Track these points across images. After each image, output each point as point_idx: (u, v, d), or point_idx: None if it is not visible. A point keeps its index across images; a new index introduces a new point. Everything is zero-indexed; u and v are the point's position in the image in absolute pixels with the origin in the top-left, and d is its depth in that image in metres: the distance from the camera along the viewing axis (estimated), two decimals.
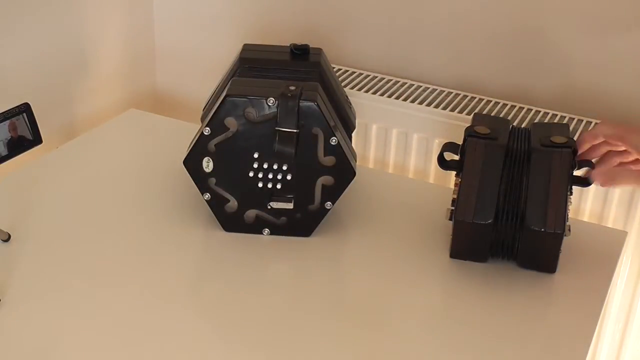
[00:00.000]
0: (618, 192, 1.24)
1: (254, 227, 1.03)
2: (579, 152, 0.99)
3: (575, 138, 1.04)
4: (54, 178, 1.14)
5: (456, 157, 0.99)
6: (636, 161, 0.99)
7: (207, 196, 1.01)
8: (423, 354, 0.85)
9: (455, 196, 0.97)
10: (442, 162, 1.00)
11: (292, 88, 0.97)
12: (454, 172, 0.99)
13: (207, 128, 0.98)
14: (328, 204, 1.01)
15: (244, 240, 1.02)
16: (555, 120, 1.33)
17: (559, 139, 0.97)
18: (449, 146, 1.00)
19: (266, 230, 1.03)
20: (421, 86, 1.43)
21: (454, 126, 1.28)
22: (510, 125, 1.01)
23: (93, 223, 1.04)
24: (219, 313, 0.90)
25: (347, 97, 1.16)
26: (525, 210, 0.94)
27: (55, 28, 1.37)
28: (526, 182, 0.95)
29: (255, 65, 1.08)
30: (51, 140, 1.24)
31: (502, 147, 0.97)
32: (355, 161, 1.02)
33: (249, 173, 1.00)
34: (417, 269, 0.99)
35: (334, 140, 0.98)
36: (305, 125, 0.97)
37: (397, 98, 1.37)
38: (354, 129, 1.12)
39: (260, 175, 1.00)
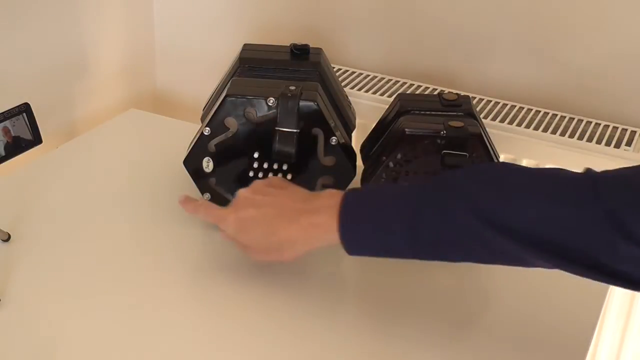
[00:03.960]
0: None
1: None
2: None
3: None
4: (54, 178, 1.14)
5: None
6: None
7: (207, 196, 1.01)
8: (426, 353, 0.85)
9: None
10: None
11: (292, 88, 0.97)
12: None
13: (207, 128, 0.97)
14: None
15: None
16: (559, 122, 1.33)
17: None
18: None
19: None
20: (421, 86, 1.43)
21: None
22: None
23: (93, 223, 1.04)
24: (218, 313, 0.90)
25: (347, 97, 1.16)
26: None
27: (55, 28, 1.37)
28: None
29: (255, 65, 1.08)
30: (51, 140, 1.24)
31: None
32: (355, 161, 1.02)
33: (249, 173, 0.99)
34: (417, 268, 0.99)
35: (334, 140, 0.98)
36: (305, 125, 0.97)
37: None
38: (354, 129, 1.12)
39: (260, 175, 1.00)
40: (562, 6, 1.32)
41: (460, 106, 1.04)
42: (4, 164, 0.92)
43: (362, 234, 0.81)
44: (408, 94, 1.35)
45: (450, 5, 1.40)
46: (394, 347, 0.86)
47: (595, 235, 0.70)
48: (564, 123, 1.32)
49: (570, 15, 1.32)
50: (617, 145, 1.26)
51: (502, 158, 1.28)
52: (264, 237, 0.87)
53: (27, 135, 0.94)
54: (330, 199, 0.84)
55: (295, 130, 0.96)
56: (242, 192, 0.91)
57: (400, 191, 0.82)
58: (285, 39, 1.18)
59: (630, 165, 0.74)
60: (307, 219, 0.84)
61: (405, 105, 1.04)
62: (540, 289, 0.96)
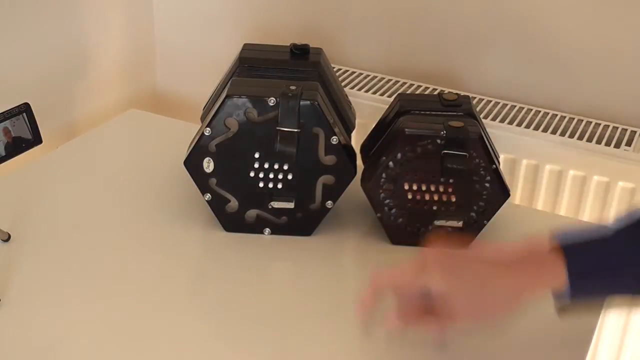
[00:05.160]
0: (618, 193, 1.24)
1: (255, 227, 1.03)
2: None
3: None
4: (54, 178, 1.14)
5: None
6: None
7: (207, 196, 1.01)
8: (425, 353, 0.85)
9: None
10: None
11: (293, 88, 0.97)
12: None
13: (208, 128, 0.97)
14: (329, 203, 1.01)
15: (245, 240, 1.02)
16: (560, 122, 1.33)
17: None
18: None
19: (267, 230, 1.03)
20: (421, 86, 1.43)
21: None
22: None
23: (93, 223, 1.04)
24: (219, 313, 0.90)
25: (347, 97, 1.16)
26: None
27: (55, 28, 1.37)
28: None
29: (255, 65, 1.08)
30: (51, 140, 1.24)
31: None
32: (356, 161, 1.02)
33: (249, 173, 0.99)
34: None
35: (334, 140, 0.98)
36: (305, 124, 0.97)
37: None
38: (354, 129, 1.12)
39: (261, 175, 1.00)
40: (561, 6, 1.32)
41: (460, 106, 1.04)
42: (4, 164, 0.92)
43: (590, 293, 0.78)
44: (408, 94, 1.35)
45: (451, 5, 1.40)
46: (395, 347, 0.86)
47: None
48: (564, 123, 1.32)
49: (570, 16, 1.32)
50: (617, 145, 1.26)
51: (502, 158, 1.28)
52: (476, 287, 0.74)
53: (27, 135, 0.94)
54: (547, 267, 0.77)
55: (296, 130, 0.96)
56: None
57: (619, 251, 0.78)
58: (285, 39, 1.18)
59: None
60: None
61: (405, 105, 1.04)
62: None
